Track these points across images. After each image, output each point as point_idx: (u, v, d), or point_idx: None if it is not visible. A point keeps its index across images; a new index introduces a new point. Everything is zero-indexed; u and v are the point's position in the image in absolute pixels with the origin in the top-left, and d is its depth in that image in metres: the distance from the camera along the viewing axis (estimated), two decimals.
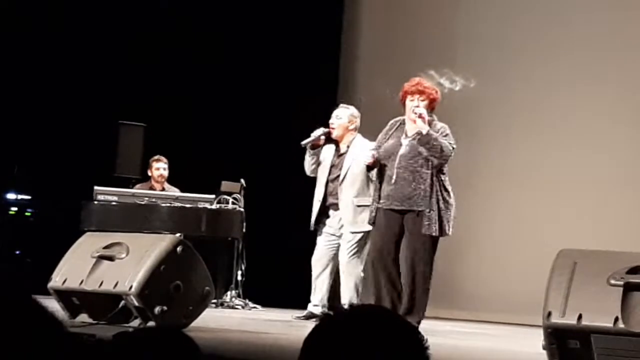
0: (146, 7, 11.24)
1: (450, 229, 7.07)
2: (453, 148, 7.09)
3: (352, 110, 8.21)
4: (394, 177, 7.03)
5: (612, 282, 4.83)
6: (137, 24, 11.07)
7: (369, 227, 7.40)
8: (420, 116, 7.02)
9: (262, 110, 11.04)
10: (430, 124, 7.10)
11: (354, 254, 7.91)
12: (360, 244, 7.89)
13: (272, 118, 10.95)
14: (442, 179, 7.06)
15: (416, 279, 7.00)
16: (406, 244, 7.04)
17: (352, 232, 7.90)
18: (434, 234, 6.96)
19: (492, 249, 10.13)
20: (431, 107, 7.20)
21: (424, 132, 6.97)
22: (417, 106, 7.11)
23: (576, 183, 9.64)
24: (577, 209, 9.53)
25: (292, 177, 10.72)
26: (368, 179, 7.83)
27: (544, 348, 4.94)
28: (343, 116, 8.11)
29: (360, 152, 7.83)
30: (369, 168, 7.54)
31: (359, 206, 7.85)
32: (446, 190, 7.06)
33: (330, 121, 8.13)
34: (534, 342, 5.27)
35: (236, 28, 11.28)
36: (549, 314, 4.86)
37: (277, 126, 10.89)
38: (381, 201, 7.11)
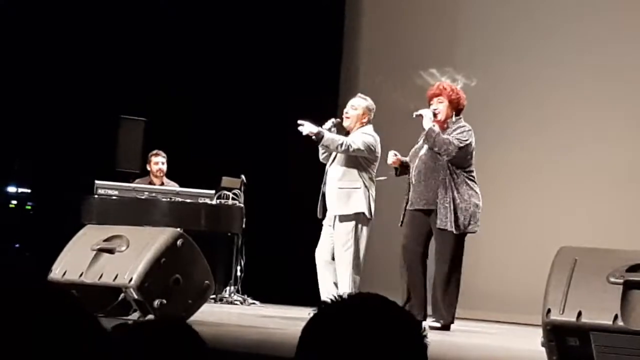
0: (148, 1, 11.24)
1: (471, 225, 7.16)
2: (459, 144, 7.16)
3: (369, 102, 7.78)
4: (414, 178, 7.27)
5: (612, 279, 4.82)
6: (138, 18, 11.07)
7: (355, 210, 7.42)
8: (420, 116, 7.27)
9: (263, 107, 11.04)
10: (448, 124, 7.30)
11: (347, 247, 7.60)
12: (355, 235, 7.55)
13: (273, 115, 10.95)
14: (463, 174, 7.19)
15: (437, 280, 7.18)
16: (435, 245, 7.25)
17: (337, 215, 7.56)
18: (449, 229, 7.06)
19: (492, 248, 10.12)
20: (454, 107, 7.39)
21: (426, 129, 7.18)
22: (436, 108, 7.29)
23: (577, 182, 9.63)
24: (578, 208, 9.53)
25: (292, 173, 10.74)
26: (359, 165, 7.55)
27: (542, 345, 4.94)
28: (359, 107, 7.72)
29: (352, 135, 7.62)
30: (397, 171, 7.55)
31: (341, 189, 7.56)
32: (467, 185, 7.17)
33: (345, 110, 7.79)
34: (533, 340, 5.27)
35: (238, 25, 11.27)
36: (549, 311, 4.86)
37: (278, 123, 10.90)
38: (408, 204, 7.32)
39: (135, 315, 6.28)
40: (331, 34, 11.38)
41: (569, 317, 4.81)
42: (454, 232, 7.11)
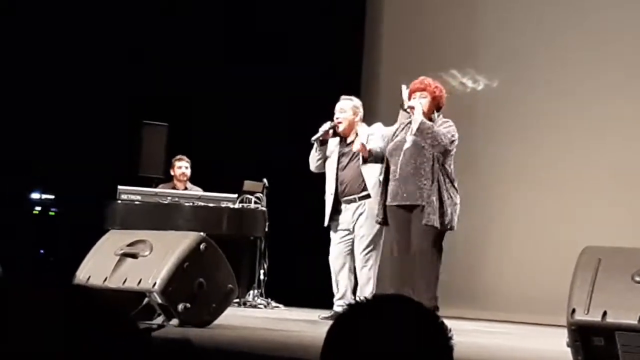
0: (169, 7, 11.28)
1: (454, 223, 7.04)
2: (452, 138, 7.09)
3: (355, 101, 8.11)
4: (398, 172, 7.13)
5: (637, 278, 4.79)
6: (160, 24, 11.11)
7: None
8: (411, 109, 7.14)
9: (285, 110, 11.06)
10: (431, 120, 7.18)
11: (369, 249, 7.85)
12: (377, 236, 7.82)
13: (295, 118, 10.97)
14: (447, 171, 7.07)
15: (422, 274, 7.00)
16: (413, 239, 7.06)
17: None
18: (434, 224, 6.94)
19: (513, 248, 10.10)
20: (435, 104, 7.23)
21: (418, 122, 7.05)
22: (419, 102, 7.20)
23: (596, 182, 9.60)
24: (597, 207, 9.49)
25: (315, 177, 10.74)
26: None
27: (568, 345, 4.92)
28: (347, 109, 8.02)
29: (367, 131, 7.91)
30: (364, 160, 7.68)
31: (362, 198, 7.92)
32: (451, 183, 7.07)
33: (336, 115, 8.03)
34: (558, 341, 5.25)
35: (259, 29, 11.30)
36: (573, 311, 4.84)
37: (299, 126, 10.91)
38: (388, 198, 7.18)
39: (159, 320, 6.29)
40: (352, 35, 11.38)
41: (594, 317, 4.79)
42: (438, 228, 6.97)
